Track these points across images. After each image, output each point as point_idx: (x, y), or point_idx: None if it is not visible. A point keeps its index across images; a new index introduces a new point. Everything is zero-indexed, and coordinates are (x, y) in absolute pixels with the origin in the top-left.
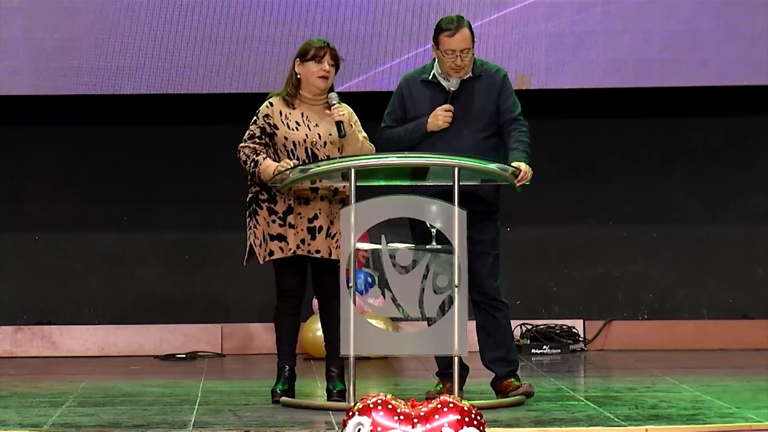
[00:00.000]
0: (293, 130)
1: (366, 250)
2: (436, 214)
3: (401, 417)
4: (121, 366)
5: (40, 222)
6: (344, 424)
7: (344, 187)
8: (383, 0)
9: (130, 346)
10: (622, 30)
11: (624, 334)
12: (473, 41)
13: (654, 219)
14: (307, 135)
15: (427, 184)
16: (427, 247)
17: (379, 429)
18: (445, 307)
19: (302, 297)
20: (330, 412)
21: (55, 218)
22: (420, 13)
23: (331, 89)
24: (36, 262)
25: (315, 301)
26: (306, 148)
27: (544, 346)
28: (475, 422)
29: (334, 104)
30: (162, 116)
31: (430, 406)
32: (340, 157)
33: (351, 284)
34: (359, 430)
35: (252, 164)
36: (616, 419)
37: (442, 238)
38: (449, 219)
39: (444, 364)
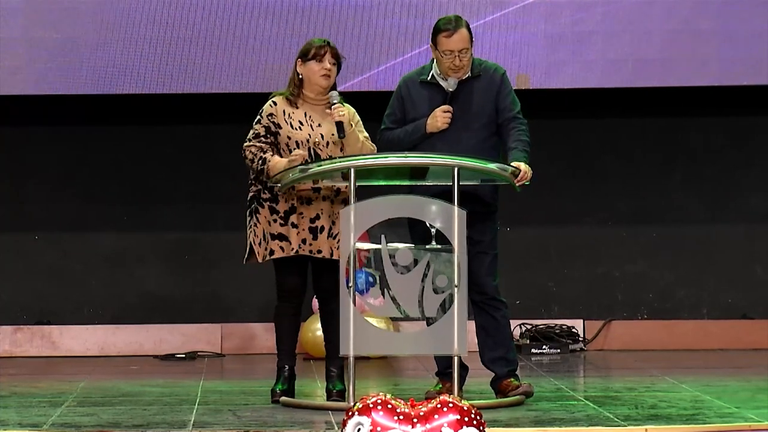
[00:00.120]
0: (296, 129)
1: (367, 250)
2: (436, 214)
3: (401, 417)
4: (121, 366)
5: (40, 222)
6: (344, 423)
7: (346, 187)
8: (383, 0)
9: (129, 346)
10: (622, 30)
11: (624, 334)
12: (471, 41)
13: (654, 219)
14: (310, 135)
15: (426, 184)
16: (427, 246)
17: (378, 429)
18: (444, 307)
19: (302, 297)
20: (330, 411)
21: (55, 218)
22: (420, 13)
23: (334, 88)
24: (36, 262)
25: (315, 301)
26: (309, 148)
27: (544, 346)
28: (474, 422)
29: (335, 104)
30: (162, 116)
31: (429, 405)
32: (340, 157)
33: (351, 284)
34: (359, 429)
35: (260, 162)
36: (616, 419)
37: (442, 238)
38: (449, 219)
39: (443, 364)
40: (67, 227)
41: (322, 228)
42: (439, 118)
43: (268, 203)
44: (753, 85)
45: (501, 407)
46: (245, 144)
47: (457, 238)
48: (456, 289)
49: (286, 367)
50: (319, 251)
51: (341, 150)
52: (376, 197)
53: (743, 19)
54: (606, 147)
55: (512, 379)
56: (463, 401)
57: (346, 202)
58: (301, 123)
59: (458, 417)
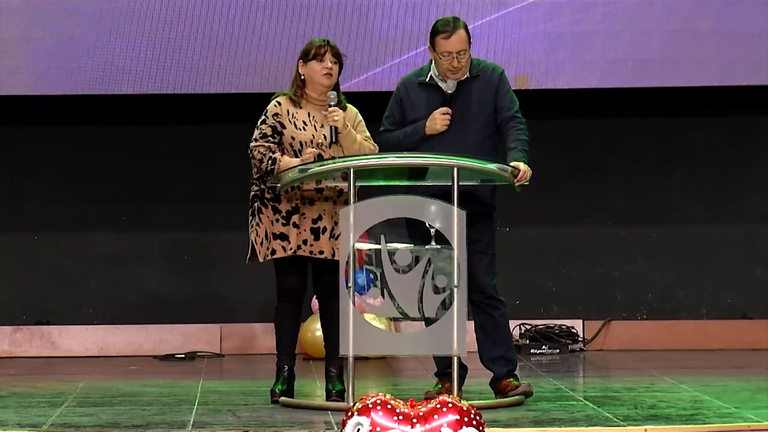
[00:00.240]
0: (300, 130)
1: (366, 250)
2: (436, 214)
3: (400, 417)
4: (120, 366)
5: (40, 222)
6: (343, 424)
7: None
8: (383, 0)
9: (129, 346)
10: (622, 30)
11: (623, 334)
12: (469, 42)
13: (653, 219)
14: (314, 135)
15: (426, 184)
16: (427, 247)
17: (378, 429)
18: (444, 308)
19: (303, 297)
20: (329, 412)
21: (55, 218)
22: (419, 13)
23: (337, 86)
24: (36, 262)
25: (314, 301)
26: (313, 149)
27: (543, 346)
28: (474, 422)
29: (331, 106)
30: (161, 116)
31: (429, 406)
32: (339, 157)
33: (350, 284)
34: (358, 430)
35: (270, 162)
36: (615, 419)
37: (441, 239)
38: (448, 219)
39: (443, 364)
40: (67, 227)
41: (324, 229)
42: (438, 120)
43: (271, 203)
44: (753, 85)
45: (500, 407)
46: (252, 144)
47: (456, 238)
48: (456, 289)
49: (286, 367)
50: (321, 252)
51: (344, 151)
52: (376, 197)
53: (743, 19)
54: (606, 147)
55: (511, 379)
56: (462, 401)
57: (348, 203)
58: (305, 123)
59: (458, 417)
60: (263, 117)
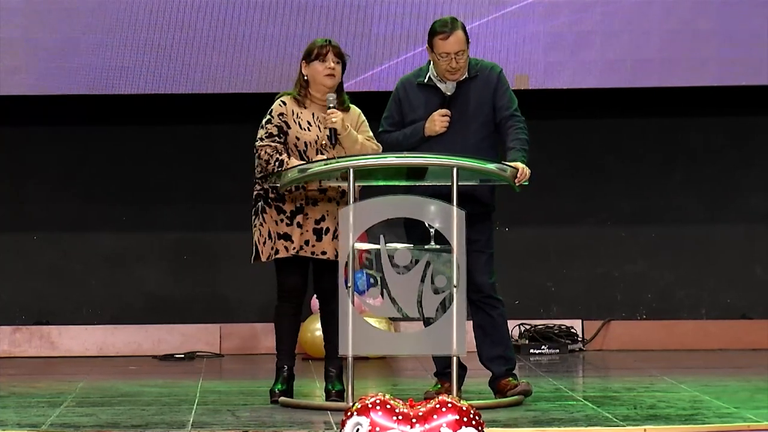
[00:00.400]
0: (305, 130)
1: (366, 250)
2: (435, 214)
3: (399, 417)
4: (120, 366)
5: (40, 222)
6: (343, 424)
7: None
8: (382, 0)
9: (128, 346)
10: (621, 30)
11: (623, 334)
12: (468, 42)
13: (653, 219)
14: (318, 136)
15: (425, 184)
16: (426, 247)
17: (377, 429)
18: (443, 308)
19: (303, 297)
20: (328, 412)
21: (55, 218)
22: (419, 13)
23: (341, 86)
24: (36, 262)
25: (314, 301)
26: (317, 150)
27: (543, 346)
28: (473, 422)
29: (330, 108)
30: (162, 116)
31: (428, 406)
32: (339, 157)
33: (350, 284)
34: (358, 430)
35: (277, 164)
36: (615, 419)
37: (441, 239)
38: (448, 219)
39: (442, 364)
40: (67, 227)
41: (327, 230)
42: (437, 122)
43: (275, 203)
44: (753, 85)
45: (500, 407)
46: (258, 143)
47: (456, 238)
48: (455, 289)
49: (285, 367)
50: (323, 252)
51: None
52: (376, 197)
53: (743, 19)
54: (605, 147)
55: (510, 379)
56: (461, 401)
57: None
58: (309, 124)
59: (457, 417)
60: (268, 116)
